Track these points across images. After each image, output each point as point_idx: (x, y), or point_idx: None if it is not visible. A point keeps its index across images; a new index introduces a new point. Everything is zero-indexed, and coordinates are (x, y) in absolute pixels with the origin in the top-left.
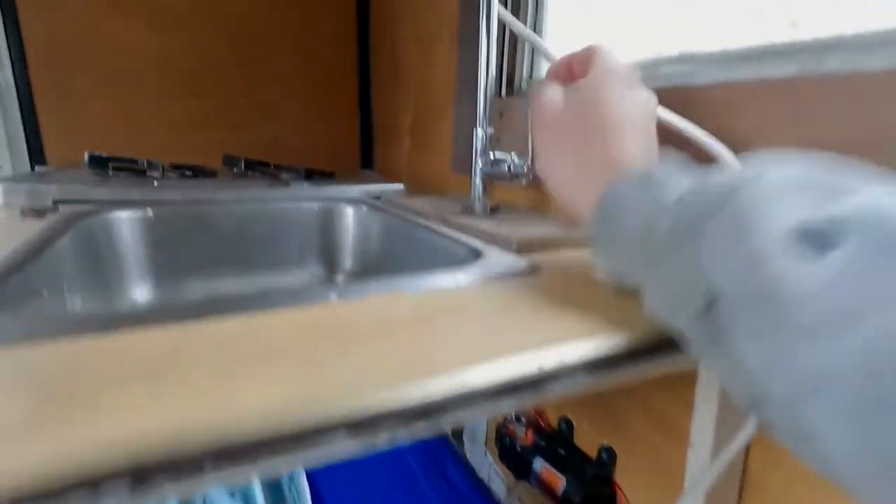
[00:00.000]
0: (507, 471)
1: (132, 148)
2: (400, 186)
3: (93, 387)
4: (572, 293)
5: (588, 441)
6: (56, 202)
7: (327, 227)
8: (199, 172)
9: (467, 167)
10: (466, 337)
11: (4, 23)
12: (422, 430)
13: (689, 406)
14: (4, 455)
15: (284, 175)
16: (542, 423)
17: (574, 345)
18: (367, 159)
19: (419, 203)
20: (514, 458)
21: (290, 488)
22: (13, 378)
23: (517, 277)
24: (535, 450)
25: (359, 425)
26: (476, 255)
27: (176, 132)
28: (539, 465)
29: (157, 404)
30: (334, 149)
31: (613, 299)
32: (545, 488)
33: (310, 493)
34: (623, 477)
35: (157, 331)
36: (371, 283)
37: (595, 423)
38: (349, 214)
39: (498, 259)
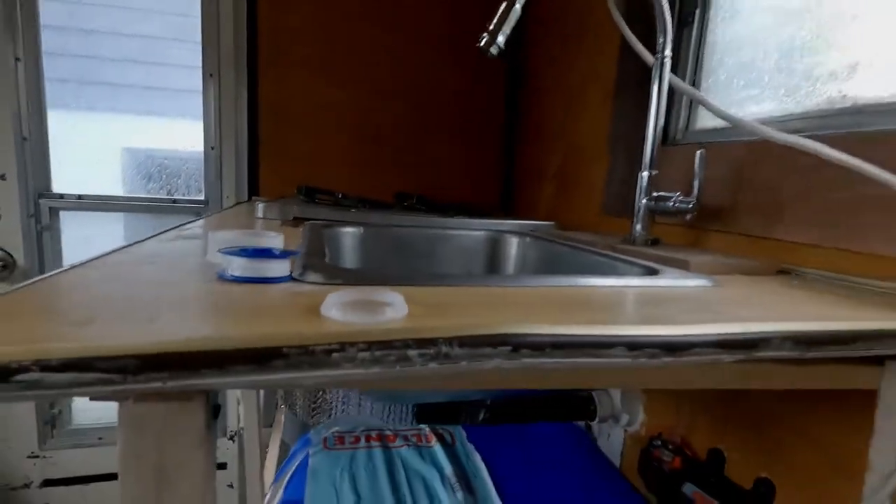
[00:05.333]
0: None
1: (321, 182)
2: (550, 223)
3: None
4: (760, 299)
5: (740, 473)
6: (296, 218)
7: (494, 253)
8: (378, 204)
9: (621, 208)
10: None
11: (249, 89)
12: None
13: (861, 435)
14: None
15: (447, 209)
16: (688, 453)
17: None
18: (505, 200)
19: (577, 236)
20: (661, 481)
21: (467, 462)
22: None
23: (702, 289)
24: (685, 474)
25: (636, 345)
26: (654, 272)
27: (358, 171)
28: (690, 490)
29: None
30: (479, 191)
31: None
32: None
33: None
34: None
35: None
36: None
37: (748, 454)
38: (513, 244)
39: (678, 275)
